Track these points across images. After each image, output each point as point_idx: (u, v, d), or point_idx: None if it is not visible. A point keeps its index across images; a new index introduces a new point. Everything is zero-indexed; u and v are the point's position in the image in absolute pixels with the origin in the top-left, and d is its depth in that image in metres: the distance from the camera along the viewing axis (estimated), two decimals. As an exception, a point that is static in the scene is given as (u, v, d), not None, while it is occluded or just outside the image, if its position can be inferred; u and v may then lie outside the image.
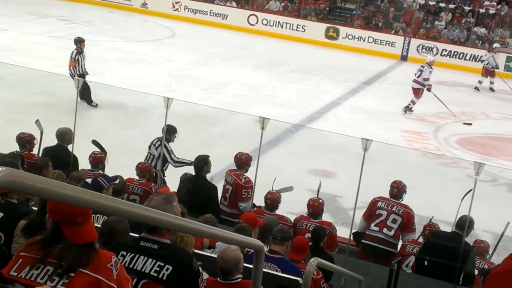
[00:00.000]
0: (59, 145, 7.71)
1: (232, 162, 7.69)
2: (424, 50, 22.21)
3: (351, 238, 7.12)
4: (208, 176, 7.54)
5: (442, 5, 24.80)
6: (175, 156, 8.30)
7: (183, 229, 2.75)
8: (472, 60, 21.47)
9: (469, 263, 6.32)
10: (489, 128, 14.77)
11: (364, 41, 23.07)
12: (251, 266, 3.09)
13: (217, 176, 8.26)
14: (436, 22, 23.86)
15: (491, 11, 24.15)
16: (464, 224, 6.42)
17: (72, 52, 12.50)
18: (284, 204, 7.12)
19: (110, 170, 7.89)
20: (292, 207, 7.67)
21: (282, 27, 24.26)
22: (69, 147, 7.67)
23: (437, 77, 18.56)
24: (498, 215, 8.81)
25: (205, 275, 3.74)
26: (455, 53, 21.60)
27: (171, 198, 3.28)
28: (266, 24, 24.44)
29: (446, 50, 22.14)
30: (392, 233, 7.06)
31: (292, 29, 24.13)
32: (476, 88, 18.70)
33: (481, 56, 20.45)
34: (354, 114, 14.61)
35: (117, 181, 5.99)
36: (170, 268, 3.11)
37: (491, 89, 18.83)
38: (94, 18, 23.22)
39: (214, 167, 7.61)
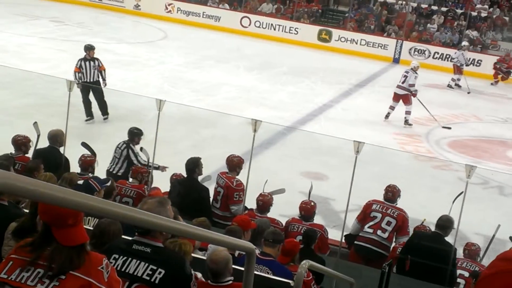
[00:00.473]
0: (50, 147, 7.70)
1: (224, 165, 7.69)
2: (416, 52, 22.30)
3: (343, 240, 7.12)
4: (204, 175, 7.56)
5: (435, 8, 24.90)
6: (141, 158, 8.32)
7: (176, 232, 2.75)
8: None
9: (451, 263, 6.35)
10: (480, 131, 14.82)
11: (356, 43, 23.13)
12: (242, 269, 3.09)
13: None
14: (429, 25, 23.95)
15: (483, 14, 24.27)
16: (444, 224, 6.47)
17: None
18: (276, 206, 7.12)
19: (103, 173, 7.89)
20: (283, 210, 7.67)
21: (275, 29, 24.29)
22: (61, 149, 7.65)
23: (429, 80, 18.67)
24: (489, 218, 8.85)
25: (199, 274, 3.74)
26: (447, 56, 21.68)
27: (165, 201, 3.29)
28: (259, 27, 24.47)
29: (438, 53, 22.25)
30: (386, 235, 7.07)
31: (285, 32, 24.17)
32: (449, 86, 19.12)
33: (473, 59, 20.73)
34: (346, 116, 14.64)
35: (108, 183, 5.99)
36: (163, 272, 3.11)
37: (457, 85, 19.13)
38: (87, 19, 23.18)
39: (206, 170, 7.61)
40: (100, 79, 12.04)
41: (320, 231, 6.68)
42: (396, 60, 22.40)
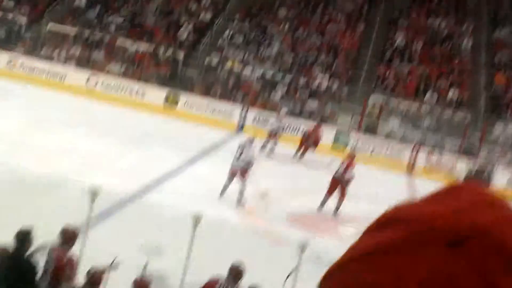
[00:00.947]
0: None
1: (56, 238, 7.31)
2: (261, 120, 22.86)
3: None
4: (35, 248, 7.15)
5: (279, 78, 25.58)
6: None
7: None
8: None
9: None
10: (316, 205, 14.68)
11: (203, 110, 23.43)
12: None
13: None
14: (273, 93, 24.77)
15: (323, 86, 25.38)
16: None
17: None
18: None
19: None
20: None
21: (122, 90, 24.02)
22: None
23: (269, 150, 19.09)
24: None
25: None
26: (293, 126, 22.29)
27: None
28: (106, 87, 24.07)
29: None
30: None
31: (132, 94, 23.97)
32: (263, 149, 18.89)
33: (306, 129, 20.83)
34: (190, 185, 14.47)
35: None
36: None
37: (271, 151, 19.41)
38: None
39: (38, 243, 7.19)
40: None
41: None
42: (241, 127, 22.65)
